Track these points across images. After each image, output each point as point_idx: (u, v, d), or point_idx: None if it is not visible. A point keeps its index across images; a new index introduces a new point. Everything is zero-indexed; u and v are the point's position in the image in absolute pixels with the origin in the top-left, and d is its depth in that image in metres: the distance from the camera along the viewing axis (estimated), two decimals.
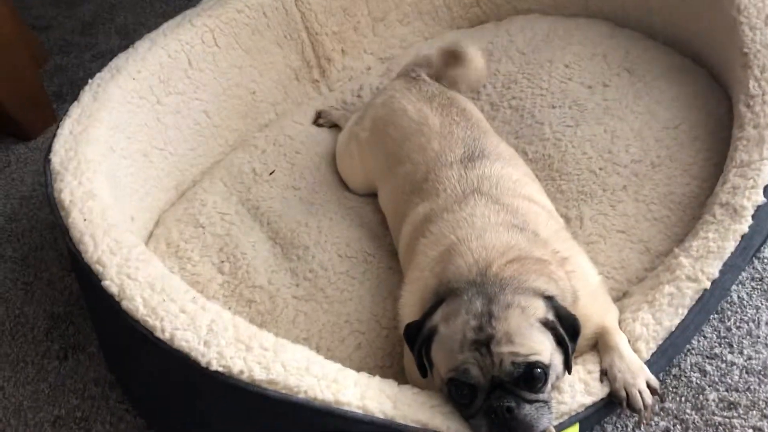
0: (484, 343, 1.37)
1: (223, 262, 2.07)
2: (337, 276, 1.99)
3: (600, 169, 2.11)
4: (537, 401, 1.40)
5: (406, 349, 1.58)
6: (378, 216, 2.17)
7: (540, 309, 1.43)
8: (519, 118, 2.36)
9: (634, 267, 1.90)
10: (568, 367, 1.46)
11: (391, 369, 1.77)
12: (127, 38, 3.38)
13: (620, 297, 1.83)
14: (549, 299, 1.46)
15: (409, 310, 1.64)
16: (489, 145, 1.95)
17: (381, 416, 1.41)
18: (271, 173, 2.37)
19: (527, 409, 1.38)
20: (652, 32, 2.50)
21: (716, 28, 2.14)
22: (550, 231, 1.69)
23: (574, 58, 2.46)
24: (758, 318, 1.86)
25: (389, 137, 2.10)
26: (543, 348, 1.40)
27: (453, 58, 2.33)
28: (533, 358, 1.37)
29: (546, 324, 1.42)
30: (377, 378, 1.51)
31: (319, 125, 2.60)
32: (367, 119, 2.23)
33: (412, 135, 2.02)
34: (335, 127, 2.57)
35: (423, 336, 1.47)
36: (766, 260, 1.98)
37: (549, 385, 1.43)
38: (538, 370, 1.38)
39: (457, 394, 1.43)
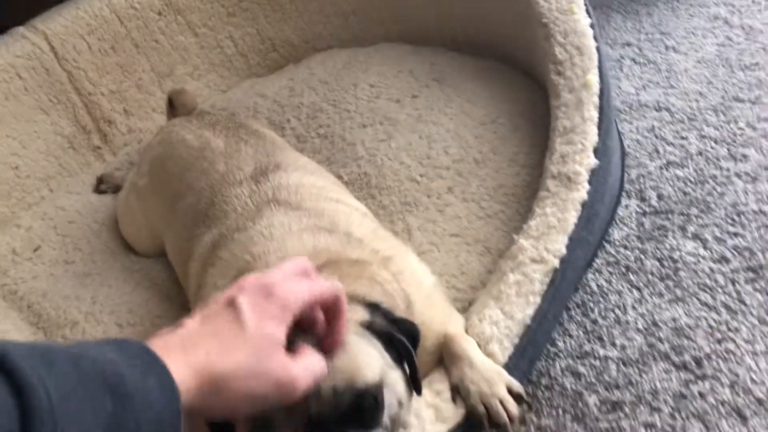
0: None
1: None
2: None
3: (421, 176, 1.85)
4: None
5: None
6: (172, 274, 1.76)
7: (359, 313, 1.07)
8: (329, 144, 2.08)
9: (476, 271, 1.61)
10: (415, 384, 1.07)
11: None
12: None
13: (466, 307, 1.52)
14: (373, 306, 1.09)
15: None
16: (286, 158, 1.64)
17: None
18: (35, 250, 1.91)
19: None
20: (455, 45, 2.35)
21: (515, 19, 2.00)
22: (366, 230, 1.37)
23: (379, 78, 2.25)
24: (623, 303, 1.61)
25: (168, 174, 1.74)
26: (369, 361, 1.00)
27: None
28: (358, 379, 0.96)
29: (371, 328, 1.05)
30: None
31: (102, 192, 2.19)
32: (145, 164, 1.86)
33: (193, 163, 1.67)
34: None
35: None
36: (617, 243, 1.76)
37: (385, 418, 1.01)
38: (369, 396, 0.97)
39: None
